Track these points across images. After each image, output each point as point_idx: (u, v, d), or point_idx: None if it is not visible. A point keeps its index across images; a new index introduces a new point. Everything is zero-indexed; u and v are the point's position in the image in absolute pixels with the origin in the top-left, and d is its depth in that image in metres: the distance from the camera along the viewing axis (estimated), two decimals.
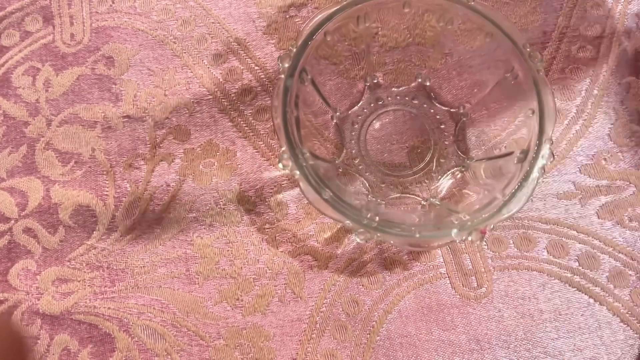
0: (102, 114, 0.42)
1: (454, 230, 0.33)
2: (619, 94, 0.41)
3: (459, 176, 0.40)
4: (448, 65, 0.41)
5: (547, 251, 0.38)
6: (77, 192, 0.40)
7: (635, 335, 0.37)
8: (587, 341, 0.37)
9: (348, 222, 0.33)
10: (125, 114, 0.42)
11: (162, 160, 0.41)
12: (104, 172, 0.41)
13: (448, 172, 0.40)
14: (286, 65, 0.35)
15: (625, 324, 0.37)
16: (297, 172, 0.34)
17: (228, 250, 0.39)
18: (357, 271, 0.39)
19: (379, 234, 0.33)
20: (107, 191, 0.40)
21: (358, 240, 0.33)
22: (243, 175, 0.40)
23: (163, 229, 0.39)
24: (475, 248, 0.39)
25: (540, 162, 0.34)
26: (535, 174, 0.34)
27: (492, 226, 0.33)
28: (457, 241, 0.33)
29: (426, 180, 0.40)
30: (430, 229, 0.34)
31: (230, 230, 0.39)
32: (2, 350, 0.22)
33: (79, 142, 0.41)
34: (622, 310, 0.37)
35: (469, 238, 0.33)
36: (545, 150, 0.34)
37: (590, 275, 0.38)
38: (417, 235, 0.34)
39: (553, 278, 0.38)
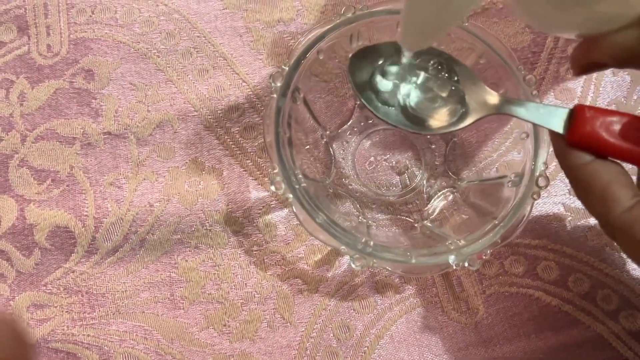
0: (81, 130, 0.40)
1: (451, 257, 0.33)
2: None
3: (450, 198, 0.39)
4: None
5: (539, 274, 0.38)
6: (54, 212, 0.38)
7: (618, 355, 0.37)
8: None
9: (343, 247, 0.32)
10: (105, 130, 0.40)
11: (145, 179, 0.39)
12: (83, 191, 0.39)
13: (439, 194, 0.40)
14: (278, 84, 0.34)
15: (614, 346, 0.37)
16: (290, 196, 0.33)
17: (214, 273, 0.38)
18: (348, 295, 0.38)
19: (375, 260, 0.32)
20: (86, 211, 0.38)
21: (354, 267, 0.32)
22: (230, 195, 0.39)
23: (146, 252, 0.38)
24: (466, 271, 0.38)
25: (535, 186, 0.34)
26: (530, 198, 0.34)
27: (489, 252, 0.33)
28: (454, 267, 0.33)
29: (417, 201, 0.40)
30: (426, 254, 0.34)
31: (217, 252, 0.38)
32: (7, 350, 0.21)
33: (56, 159, 0.39)
34: (612, 333, 0.37)
35: (466, 264, 0.33)
36: (540, 174, 0.34)
37: (582, 298, 0.38)
38: (413, 261, 0.33)
39: (545, 300, 0.38)
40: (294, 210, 0.33)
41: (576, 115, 0.29)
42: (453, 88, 0.34)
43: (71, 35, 0.42)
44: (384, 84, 0.34)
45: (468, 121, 0.33)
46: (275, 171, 0.33)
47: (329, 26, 0.36)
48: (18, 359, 0.21)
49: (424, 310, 0.38)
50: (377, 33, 0.38)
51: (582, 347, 0.37)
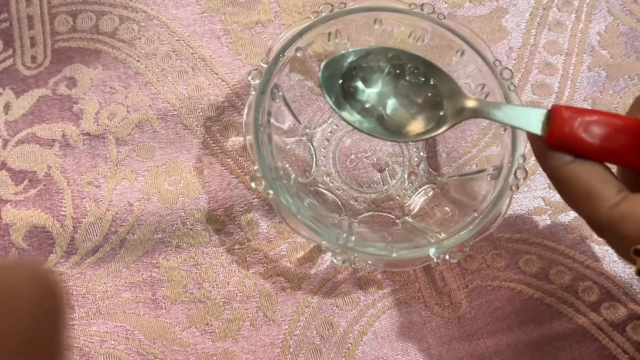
0: (61, 132, 0.39)
1: (432, 249, 0.33)
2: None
3: (430, 193, 0.40)
4: None
5: (520, 267, 0.38)
6: (31, 212, 0.38)
7: (605, 351, 0.37)
8: (559, 356, 0.37)
9: (324, 242, 0.32)
10: (85, 132, 0.39)
11: (124, 179, 0.39)
12: (60, 191, 0.38)
13: (420, 189, 0.40)
14: (257, 82, 0.34)
15: (595, 338, 0.37)
16: (271, 192, 0.33)
17: (196, 272, 0.37)
18: (331, 292, 0.37)
19: (356, 255, 0.32)
20: (64, 211, 0.38)
21: (335, 262, 0.32)
22: (211, 194, 0.39)
23: (127, 251, 0.37)
24: (448, 266, 0.38)
25: (513, 178, 0.34)
26: (509, 190, 0.34)
27: (470, 244, 0.33)
28: (435, 260, 0.33)
29: (398, 197, 0.40)
30: (407, 248, 0.34)
31: (199, 251, 0.38)
32: (42, 304, 0.20)
33: (34, 160, 0.39)
34: (592, 325, 0.37)
35: (447, 257, 0.33)
36: (518, 166, 0.34)
37: (562, 290, 0.38)
38: (394, 255, 0.33)
39: (526, 294, 0.38)
40: (275, 207, 0.33)
41: (554, 116, 0.28)
42: (430, 94, 0.34)
43: (54, 46, 0.42)
44: (359, 93, 0.34)
45: (445, 127, 0.33)
46: (256, 168, 0.33)
47: (306, 24, 0.36)
48: (49, 310, 0.20)
49: (407, 306, 0.38)
50: (356, 31, 0.38)
51: (565, 339, 0.37)
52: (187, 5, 0.43)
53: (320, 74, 0.33)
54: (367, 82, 0.34)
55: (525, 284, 0.38)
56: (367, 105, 0.34)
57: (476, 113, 0.32)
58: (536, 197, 0.40)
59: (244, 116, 0.33)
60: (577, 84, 0.42)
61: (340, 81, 0.33)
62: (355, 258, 0.32)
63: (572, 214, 0.39)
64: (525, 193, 0.40)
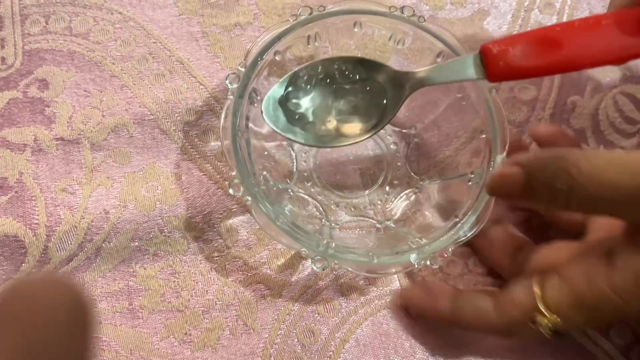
0: (33, 137, 0.38)
1: (412, 255, 0.33)
2: (565, 113, 0.41)
3: (412, 198, 0.39)
4: None
5: None
6: (2, 221, 0.37)
7: (590, 353, 0.37)
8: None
9: (304, 249, 0.32)
10: (58, 136, 0.38)
11: (99, 185, 0.38)
12: (33, 198, 0.37)
13: (402, 194, 0.39)
14: (235, 86, 0.34)
15: (578, 341, 0.37)
16: (249, 198, 0.32)
17: (174, 281, 0.36)
18: (313, 299, 0.37)
19: (336, 261, 0.32)
20: (37, 219, 0.37)
21: (315, 268, 0.31)
22: (189, 200, 0.38)
23: (102, 260, 0.36)
24: (431, 271, 0.38)
25: None
26: (489, 196, 0.34)
27: (450, 250, 0.33)
28: (416, 266, 0.32)
29: (379, 202, 0.39)
30: (388, 254, 0.33)
31: (177, 259, 0.37)
32: (67, 314, 0.21)
33: (4, 166, 0.38)
34: None
35: (428, 262, 0.32)
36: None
37: None
38: (375, 261, 0.33)
39: None
40: (253, 213, 0.32)
41: (485, 56, 0.30)
42: (368, 88, 0.34)
43: (25, 47, 0.41)
44: (301, 112, 0.34)
45: (392, 112, 0.34)
46: (234, 174, 0.32)
47: (285, 27, 0.35)
48: (77, 324, 0.21)
49: (390, 312, 0.37)
50: (336, 34, 0.38)
51: (548, 343, 0.37)
52: (164, 6, 0.42)
53: (263, 109, 0.34)
54: (304, 100, 0.35)
55: None
56: (312, 120, 0.34)
57: (414, 86, 0.33)
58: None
59: (222, 121, 0.33)
60: (560, 86, 0.42)
61: (280, 110, 0.34)
62: (335, 265, 0.32)
63: None
64: None
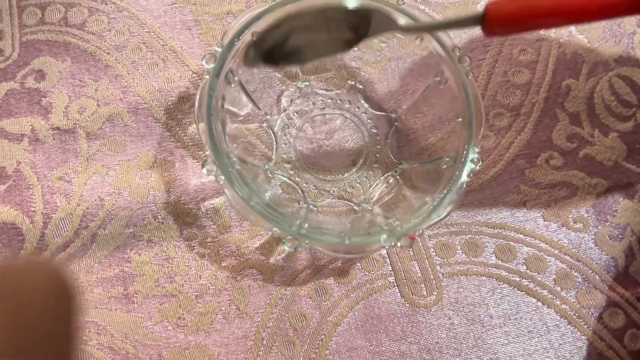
0: (30, 127, 0.39)
1: (383, 236, 0.33)
2: (560, 96, 0.41)
3: (391, 181, 0.39)
4: (379, 68, 0.41)
5: (495, 256, 0.38)
6: (0, 209, 0.38)
7: (583, 337, 0.37)
8: (536, 345, 0.37)
9: (275, 229, 0.32)
10: (55, 126, 0.39)
11: (95, 173, 0.38)
12: (30, 187, 0.38)
13: (381, 177, 0.39)
14: (211, 65, 0.34)
15: (572, 325, 0.37)
16: (222, 178, 0.32)
17: (168, 266, 0.37)
18: (305, 283, 0.37)
19: (307, 241, 0.32)
20: (34, 207, 0.38)
21: (287, 248, 0.32)
22: (183, 187, 0.38)
23: (98, 246, 0.37)
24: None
25: (468, 166, 0.33)
26: (463, 178, 0.33)
27: (421, 231, 0.33)
28: (386, 247, 0.32)
29: (359, 185, 0.39)
30: (359, 235, 0.34)
31: (170, 245, 0.37)
32: (54, 299, 0.21)
33: (3, 155, 0.39)
34: (569, 312, 0.37)
35: (399, 244, 0.32)
36: (473, 154, 0.34)
37: (538, 279, 0.38)
38: (347, 242, 0.33)
39: (502, 283, 0.38)
40: (227, 193, 0.32)
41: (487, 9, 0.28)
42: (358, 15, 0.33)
43: (22, 38, 0.41)
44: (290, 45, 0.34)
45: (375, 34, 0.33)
46: (207, 153, 0.32)
47: (263, 8, 0.35)
48: (62, 307, 0.21)
49: (382, 296, 0.37)
50: None
51: (543, 327, 0.37)
52: None
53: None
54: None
55: (501, 272, 0.38)
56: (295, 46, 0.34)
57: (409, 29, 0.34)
58: (512, 185, 0.39)
59: (196, 101, 0.33)
60: (554, 69, 0.41)
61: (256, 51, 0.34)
62: (306, 245, 0.32)
63: (549, 203, 0.39)
64: (500, 181, 0.39)
